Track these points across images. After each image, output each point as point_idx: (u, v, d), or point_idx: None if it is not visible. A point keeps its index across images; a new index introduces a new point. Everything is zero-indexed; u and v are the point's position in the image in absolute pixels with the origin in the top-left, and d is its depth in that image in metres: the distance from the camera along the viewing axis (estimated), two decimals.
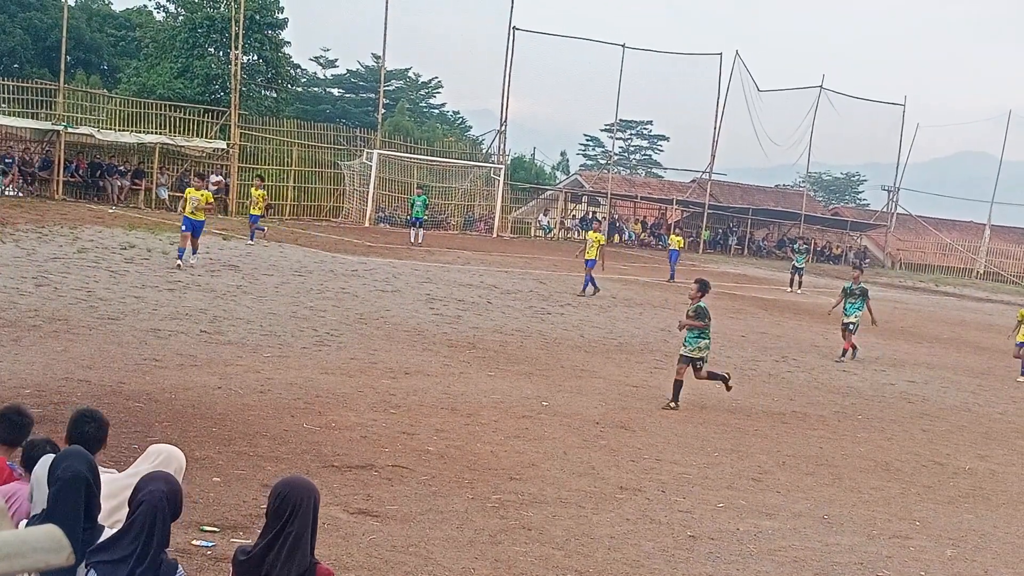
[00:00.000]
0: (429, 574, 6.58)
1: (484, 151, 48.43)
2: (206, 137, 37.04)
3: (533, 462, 9.48)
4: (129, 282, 17.46)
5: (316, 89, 65.29)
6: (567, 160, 75.99)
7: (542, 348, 16.15)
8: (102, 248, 21.16)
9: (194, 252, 20.52)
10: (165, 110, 37.38)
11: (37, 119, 34.16)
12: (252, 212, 27.27)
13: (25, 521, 4.36)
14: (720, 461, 10.38)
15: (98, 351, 11.90)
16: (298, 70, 53.79)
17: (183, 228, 20.58)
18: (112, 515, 4.30)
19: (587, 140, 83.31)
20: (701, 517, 8.43)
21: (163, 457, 4.52)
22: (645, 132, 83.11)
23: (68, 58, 38.90)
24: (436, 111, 69.95)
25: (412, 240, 32.81)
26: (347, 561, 6.54)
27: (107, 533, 3.96)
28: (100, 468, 4.26)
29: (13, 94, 34.97)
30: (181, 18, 44.89)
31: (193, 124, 37.43)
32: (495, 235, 42.07)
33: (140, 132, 35.76)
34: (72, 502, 3.91)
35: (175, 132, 36.80)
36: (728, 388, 13.35)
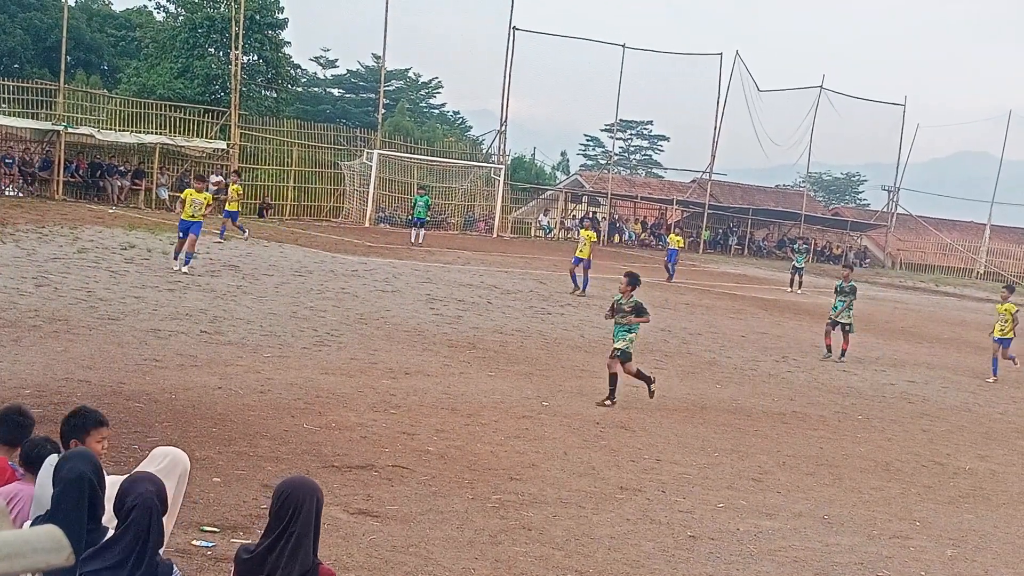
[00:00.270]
0: (429, 574, 6.58)
1: (484, 151, 48.44)
2: (206, 137, 37.04)
3: (533, 462, 9.48)
4: (129, 282, 17.46)
5: (316, 89, 65.31)
6: (567, 160, 76.04)
7: (542, 348, 16.15)
8: (102, 248, 21.16)
9: (187, 259, 19.51)
10: (165, 110, 37.38)
11: (37, 119, 34.17)
12: (228, 208, 27.01)
13: (29, 522, 4.36)
14: (720, 461, 10.38)
15: (98, 351, 11.89)
16: (298, 70, 53.83)
17: (180, 234, 19.70)
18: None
19: (587, 140, 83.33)
20: (701, 517, 8.43)
21: (168, 460, 4.53)
22: (645, 132, 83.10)
23: (68, 58, 38.92)
24: (436, 111, 69.97)
25: (412, 240, 32.80)
26: (347, 561, 6.54)
27: (110, 534, 3.97)
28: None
29: (13, 94, 34.97)
30: (181, 18, 44.91)
31: (193, 124, 37.43)
32: (495, 235, 42.07)
33: (140, 132, 35.77)
34: (75, 503, 3.92)
35: (175, 132, 36.80)
36: (651, 395, 12.87)
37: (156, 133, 35.91)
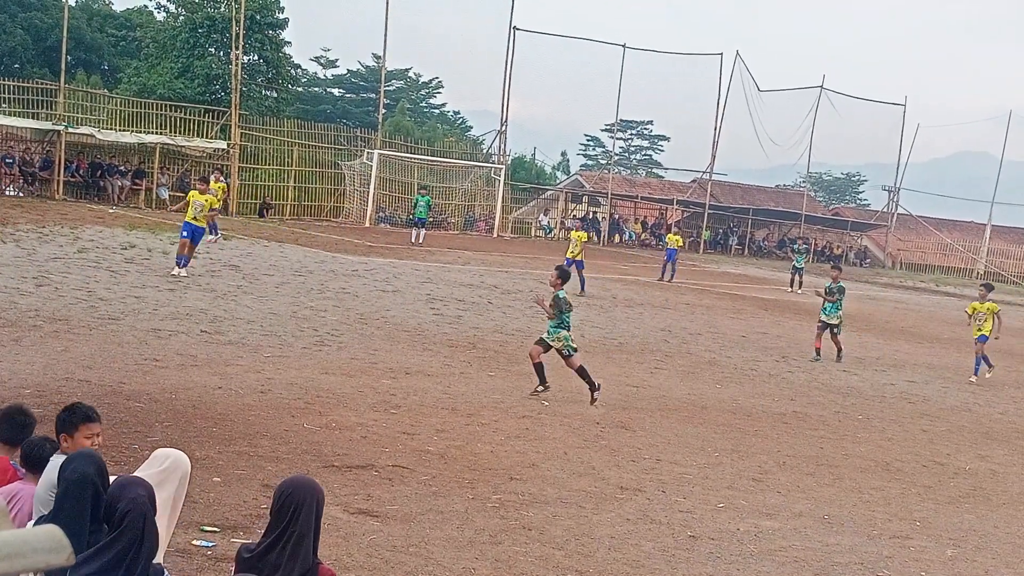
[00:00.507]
0: (429, 574, 6.58)
1: (484, 151, 48.46)
2: (206, 137, 37.06)
3: (533, 462, 9.48)
4: (129, 282, 17.46)
5: (316, 89, 65.36)
6: (567, 160, 76.09)
7: None
8: (102, 248, 21.16)
9: (183, 261, 19.01)
10: (165, 110, 37.40)
11: (38, 119, 34.20)
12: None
13: (32, 522, 4.36)
14: (720, 461, 10.38)
15: (98, 351, 11.90)
16: (298, 70, 53.88)
17: (183, 234, 19.31)
18: None
19: (587, 140, 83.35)
20: (701, 517, 8.43)
21: (170, 462, 4.53)
22: (645, 132, 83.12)
23: (69, 58, 38.95)
24: (436, 111, 70.01)
25: (413, 240, 32.82)
26: (347, 561, 6.54)
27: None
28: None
29: (14, 94, 35.00)
30: (181, 18, 44.92)
31: (193, 124, 37.45)
32: (495, 235, 42.09)
33: (140, 132, 35.79)
34: (78, 503, 3.92)
35: (175, 132, 36.82)
36: (592, 401, 12.24)
37: (156, 133, 35.93)
